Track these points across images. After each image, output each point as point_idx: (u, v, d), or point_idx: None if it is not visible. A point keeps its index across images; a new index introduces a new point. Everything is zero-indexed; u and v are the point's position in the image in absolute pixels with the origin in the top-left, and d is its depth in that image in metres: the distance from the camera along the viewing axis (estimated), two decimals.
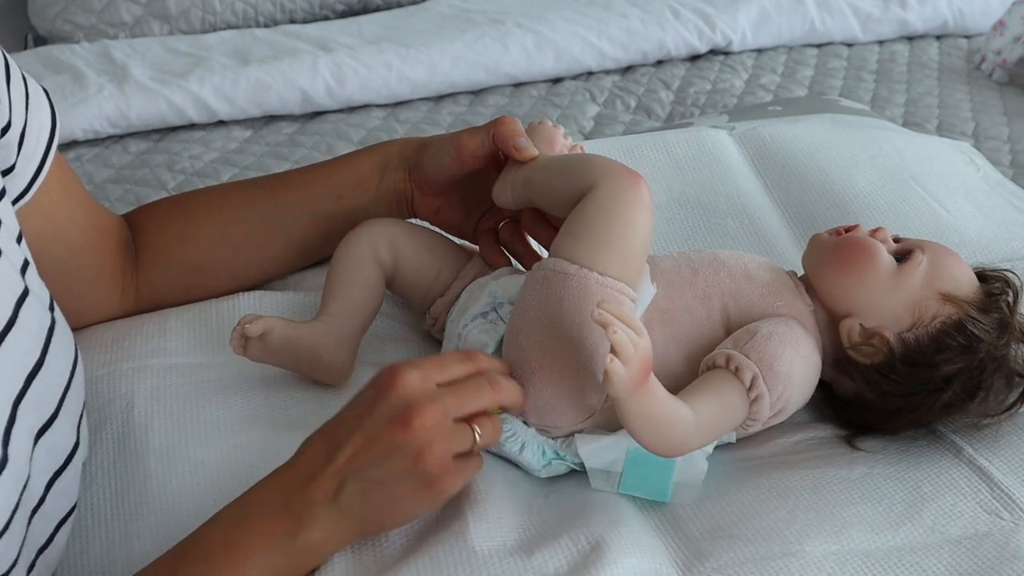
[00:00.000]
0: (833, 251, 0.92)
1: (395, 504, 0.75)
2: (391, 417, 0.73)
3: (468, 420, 0.77)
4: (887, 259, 0.90)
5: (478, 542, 0.75)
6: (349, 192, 1.01)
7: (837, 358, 0.90)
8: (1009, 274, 0.92)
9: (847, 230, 0.94)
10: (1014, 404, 0.89)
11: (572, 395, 0.82)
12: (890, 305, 0.88)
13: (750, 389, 0.82)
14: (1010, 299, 0.90)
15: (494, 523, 0.78)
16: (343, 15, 2.42)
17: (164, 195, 1.66)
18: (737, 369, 0.82)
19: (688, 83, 2.16)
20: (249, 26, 2.31)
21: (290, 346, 0.90)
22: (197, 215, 1.02)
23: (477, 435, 0.77)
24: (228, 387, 0.92)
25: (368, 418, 0.74)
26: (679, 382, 0.84)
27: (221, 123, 1.94)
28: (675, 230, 1.19)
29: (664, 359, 0.84)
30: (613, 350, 0.72)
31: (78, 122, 1.84)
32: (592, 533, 0.77)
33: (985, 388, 0.87)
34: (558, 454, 0.85)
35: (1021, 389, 0.89)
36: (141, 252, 1.01)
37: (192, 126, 1.93)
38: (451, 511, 0.79)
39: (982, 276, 0.92)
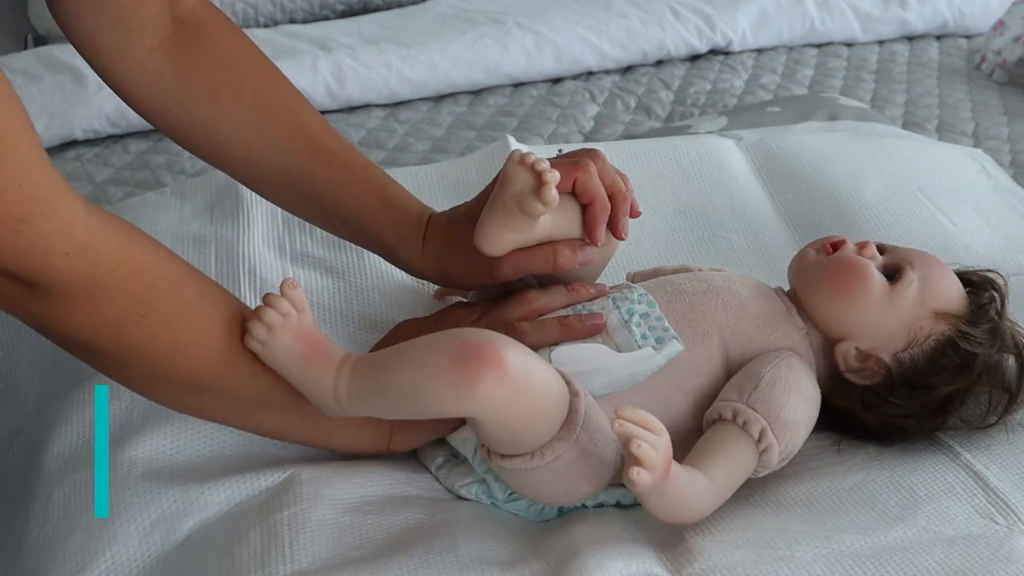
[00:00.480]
0: (825, 275, 0.91)
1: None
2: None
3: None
4: (879, 280, 0.89)
5: (464, 550, 0.76)
6: (370, 226, 0.97)
7: (832, 378, 0.90)
8: (992, 275, 0.93)
9: (833, 246, 0.93)
10: (1006, 411, 0.90)
11: (584, 477, 0.81)
12: (885, 327, 0.88)
13: (759, 441, 0.82)
14: (998, 305, 0.91)
15: (482, 540, 0.78)
16: (343, 15, 2.42)
17: None
18: (745, 423, 0.82)
19: (688, 83, 2.16)
20: (249, 26, 2.31)
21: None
22: (226, 93, 0.93)
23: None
24: None
25: None
26: (683, 425, 0.84)
27: None
28: (679, 240, 1.19)
29: (668, 405, 0.85)
30: (632, 456, 0.73)
31: (78, 122, 1.84)
32: (575, 541, 0.78)
33: (984, 402, 0.88)
34: (584, 504, 0.85)
35: (1010, 396, 0.90)
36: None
37: None
38: (441, 530, 0.79)
39: (967, 280, 0.92)
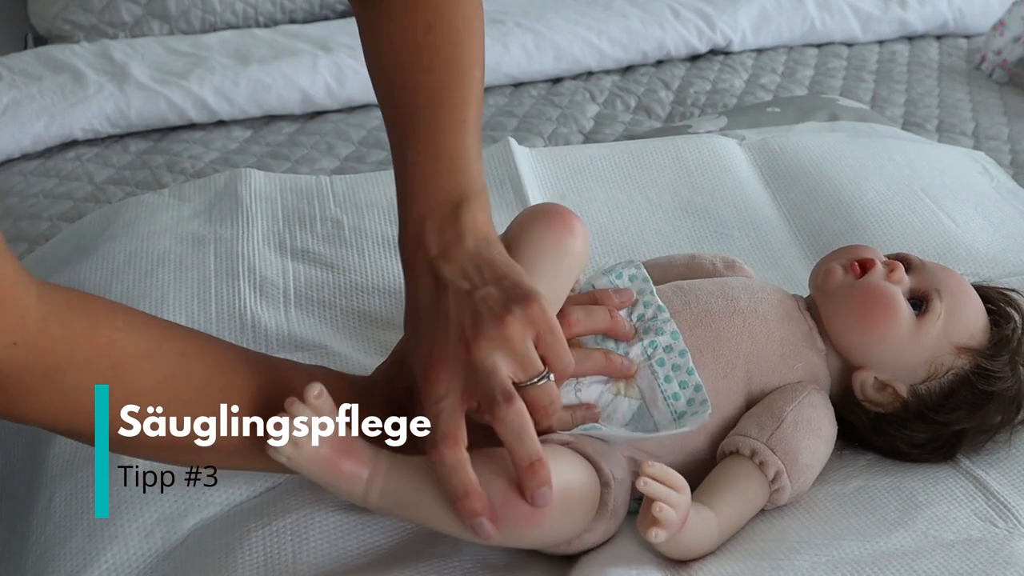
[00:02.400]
0: (853, 304, 0.89)
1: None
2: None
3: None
4: (907, 313, 0.88)
5: (467, 554, 0.76)
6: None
7: (845, 398, 0.89)
8: (1016, 296, 0.91)
9: (861, 265, 0.90)
10: (1011, 427, 0.90)
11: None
12: (907, 361, 0.87)
13: (773, 481, 0.82)
14: (1020, 333, 0.89)
15: (486, 547, 0.78)
16: (343, 15, 2.41)
17: None
18: (762, 464, 0.81)
19: (688, 83, 2.16)
20: (249, 26, 2.31)
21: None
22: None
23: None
24: None
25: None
26: (699, 456, 0.84)
27: (221, 123, 1.94)
28: (681, 237, 1.19)
29: (685, 438, 0.84)
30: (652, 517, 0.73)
31: (78, 122, 1.83)
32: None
33: (993, 428, 0.88)
34: None
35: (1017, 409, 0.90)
36: None
37: (192, 126, 1.92)
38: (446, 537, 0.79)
39: (987, 298, 0.91)
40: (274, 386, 0.75)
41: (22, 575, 0.86)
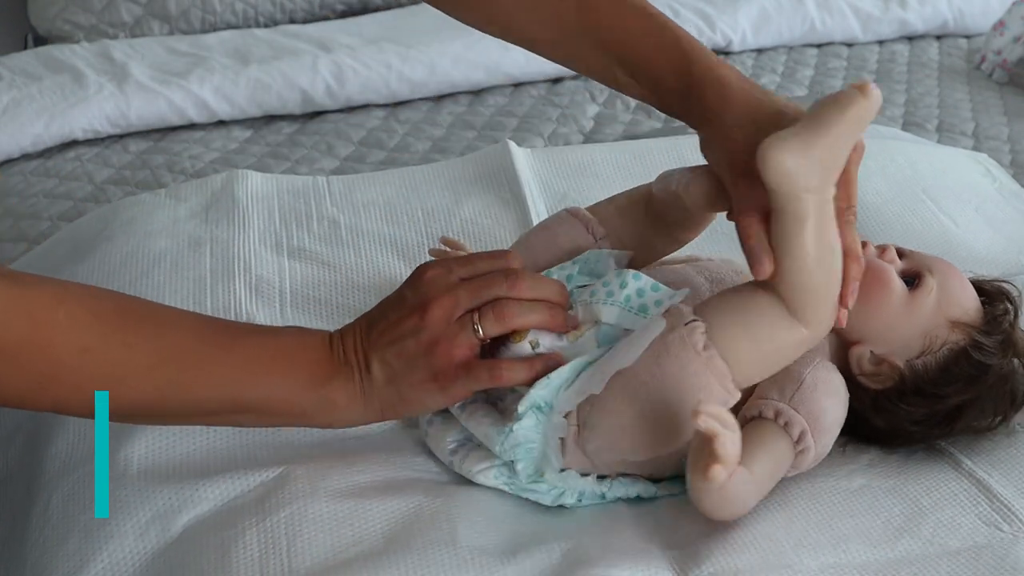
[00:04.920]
0: None
1: (408, 391, 0.81)
2: (409, 307, 0.81)
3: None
4: (900, 286, 0.89)
5: (463, 541, 0.76)
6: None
7: (845, 380, 0.89)
8: (1007, 286, 0.92)
9: None
10: (1005, 417, 0.90)
11: (646, 442, 0.81)
12: (902, 333, 0.88)
13: (798, 442, 0.82)
14: (1012, 317, 0.90)
15: (482, 529, 0.78)
16: (343, 15, 2.41)
17: None
18: (787, 424, 0.82)
19: None
20: (249, 26, 2.31)
21: None
22: None
23: (476, 324, 0.80)
24: None
25: (395, 305, 0.82)
26: None
27: (221, 123, 1.94)
28: None
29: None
30: (714, 453, 0.73)
31: (78, 122, 1.84)
32: (580, 542, 0.78)
33: (991, 411, 0.88)
34: (603, 495, 0.84)
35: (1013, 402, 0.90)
36: None
37: (192, 126, 1.93)
38: (441, 518, 0.79)
39: (981, 290, 0.92)
40: (235, 368, 0.79)
41: None
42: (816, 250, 0.77)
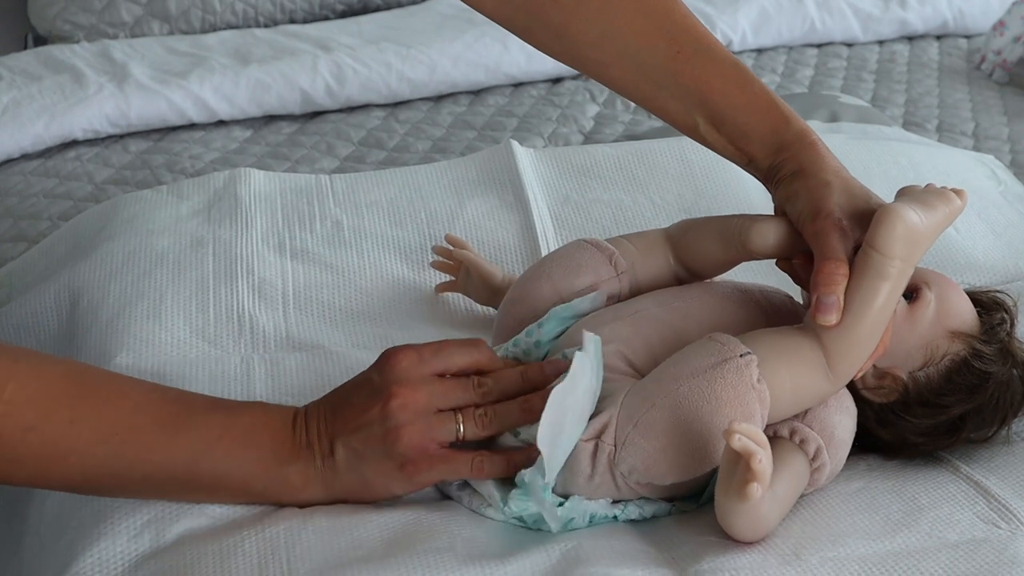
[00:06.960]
0: None
1: (373, 477, 0.79)
2: (376, 392, 0.79)
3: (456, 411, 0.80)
4: (900, 301, 0.89)
5: (462, 548, 0.76)
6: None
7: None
8: (1002, 296, 0.94)
9: None
10: (1004, 423, 0.91)
11: (681, 464, 0.80)
12: (903, 346, 0.88)
13: (814, 459, 0.83)
14: (1008, 327, 0.92)
15: (482, 538, 0.78)
16: (343, 15, 2.41)
17: None
18: (802, 442, 0.83)
19: None
20: (249, 26, 2.31)
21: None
22: None
23: (460, 425, 0.79)
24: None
25: (361, 389, 0.80)
26: None
27: (221, 123, 1.94)
28: None
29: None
30: (751, 470, 0.74)
31: (78, 122, 1.84)
32: (579, 542, 0.78)
33: (996, 420, 0.90)
34: (615, 517, 0.83)
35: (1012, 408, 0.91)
36: None
37: (192, 126, 1.93)
38: (441, 528, 0.79)
39: (977, 301, 0.93)
40: (188, 447, 0.79)
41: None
42: (880, 313, 0.81)
